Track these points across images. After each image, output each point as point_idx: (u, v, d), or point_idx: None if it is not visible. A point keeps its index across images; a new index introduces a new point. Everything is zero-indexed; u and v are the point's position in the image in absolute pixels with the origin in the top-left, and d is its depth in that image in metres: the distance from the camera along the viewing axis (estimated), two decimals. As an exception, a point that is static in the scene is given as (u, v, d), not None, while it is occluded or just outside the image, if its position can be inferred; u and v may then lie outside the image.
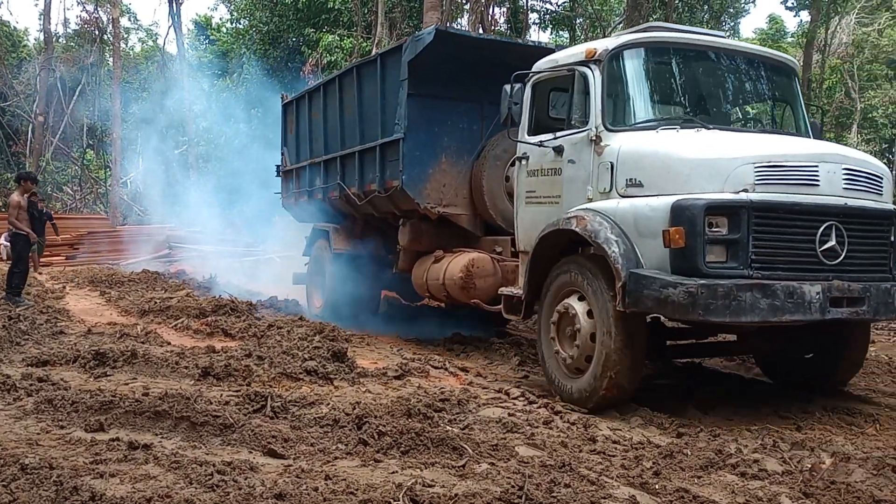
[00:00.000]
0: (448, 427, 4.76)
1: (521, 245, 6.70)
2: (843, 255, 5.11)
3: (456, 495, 3.52)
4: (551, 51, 7.06)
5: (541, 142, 6.23)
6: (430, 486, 3.68)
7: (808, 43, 21.47)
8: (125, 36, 36.05)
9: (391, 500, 3.45)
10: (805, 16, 25.92)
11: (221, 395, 5.36)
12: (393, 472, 3.90)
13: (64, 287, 13.72)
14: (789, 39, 30.71)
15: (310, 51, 23.95)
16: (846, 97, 27.38)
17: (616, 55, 5.84)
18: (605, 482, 3.87)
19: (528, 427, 4.94)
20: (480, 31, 20.02)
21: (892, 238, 5.41)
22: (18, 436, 4.33)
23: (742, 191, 4.91)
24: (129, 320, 9.64)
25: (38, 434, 4.40)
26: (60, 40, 32.82)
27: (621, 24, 21.98)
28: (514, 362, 7.54)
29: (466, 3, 22.78)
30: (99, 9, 30.85)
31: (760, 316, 4.78)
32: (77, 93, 29.84)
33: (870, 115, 28.97)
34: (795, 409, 5.66)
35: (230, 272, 15.41)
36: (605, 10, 25.99)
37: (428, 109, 8.03)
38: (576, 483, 3.77)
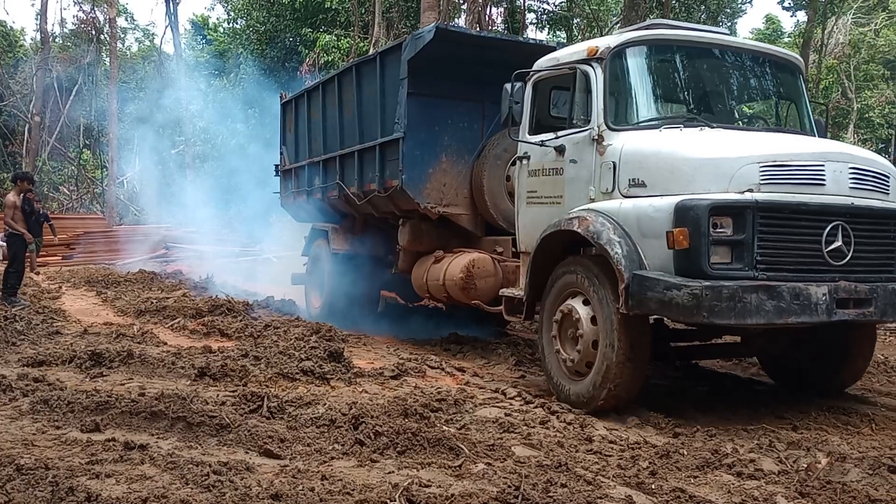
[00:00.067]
0: (444, 427, 4.76)
1: (523, 246, 6.63)
2: (850, 255, 5.02)
3: (452, 495, 3.52)
4: (552, 49, 6.97)
5: (542, 141, 6.16)
6: (426, 486, 3.68)
7: (805, 43, 21.49)
8: (122, 36, 36.11)
9: (387, 501, 3.46)
10: (802, 16, 26.00)
11: (218, 395, 5.36)
12: (389, 473, 3.90)
13: (60, 287, 13.69)
14: (786, 40, 30.75)
15: (307, 51, 23.93)
16: (843, 97, 27.44)
17: (618, 53, 5.77)
18: (602, 482, 3.88)
19: (525, 427, 4.94)
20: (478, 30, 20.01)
21: None
22: (14, 436, 4.31)
23: (747, 191, 4.83)
24: (126, 320, 9.62)
25: (34, 434, 4.38)
26: (57, 40, 32.81)
27: (618, 25, 21.98)
28: (511, 362, 7.54)
29: (464, 3, 22.78)
30: (96, 8, 30.84)
31: (766, 318, 4.70)
32: (73, 93, 29.84)
33: (866, 115, 29.08)
34: (792, 409, 5.65)
35: (227, 272, 15.40)
36: (603, 10, 26.00)
37: (428, 108, 7.96)
38: (572, 483, 3.78)
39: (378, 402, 5.24)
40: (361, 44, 21.65)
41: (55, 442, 4.26)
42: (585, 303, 5.49)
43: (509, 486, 3.62)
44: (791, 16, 40.21)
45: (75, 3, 35.72)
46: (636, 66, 5.83)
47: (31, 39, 36.07)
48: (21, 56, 33.08)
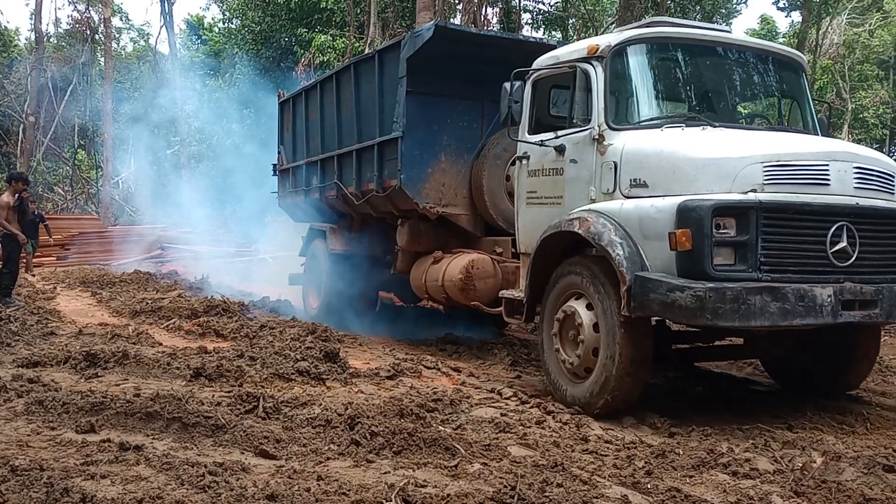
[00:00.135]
0: (440, 427, 4.76)
1: (523, 247, 6.55)
2: (855, 256, 4.96)
3: (448, 495, 3.53)
4: (552, 47, 6.92)
5: (542, 141, 6.09)
6: (422, 486, 3.69)
7: (800, 43, 21.52)
8: (117, 36, 36.00)
9: (383, 501, 3.46)
10: (796, 16, 26.07)
11: (213, 395, 5.34)
12: (385, 473, 3.90)
13: (55, 288, 13.64)
14: (781, 40, 30.78)
15: (302, 51, 23.91)
16: (837, 97, 27.50)
17: (619, 51, 5.70)
18: (598, 482, 3.88)
19: (521, 427, 4.94)
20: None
21: None
22: (9, 437, 4.29)
23: (750, 191, 4.78)
24: (121, 321, 9.58)
25: (29, 435, 4.36)
26: (52, 40, 32.71)
27: (613, 25, 22.03)
28: (507, 362, 7.55)
29: (459, 3, 22.78)
30: (90, 8, 30.75)
31: (770, 320, 4.64)
32: (68, 93, 29.74)
33: (861, 116, 29.17)
34: (787, 409, 5.66)
35: (222, 273, 15.36)
36: (598, 10, 26.03)
37: (427, 107, 7.89)
38: (568, 483, 3.78)
39: (374, 403, 5.23)
40: (357, 44, 21.64)
41: (50, 443, 4.24)
42: (589, 307, 5.41)
43: (505, 486, 3.62)
44: (786, 16, 40.27)
45: (70, 2, 35.70)
46: (637, 65, 5.77)
47: (26, 39, 35.94)
48: (15, 56, 32.94)
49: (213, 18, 38.16)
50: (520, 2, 24.68)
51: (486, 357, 7.88)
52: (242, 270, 16.85)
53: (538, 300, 6.03)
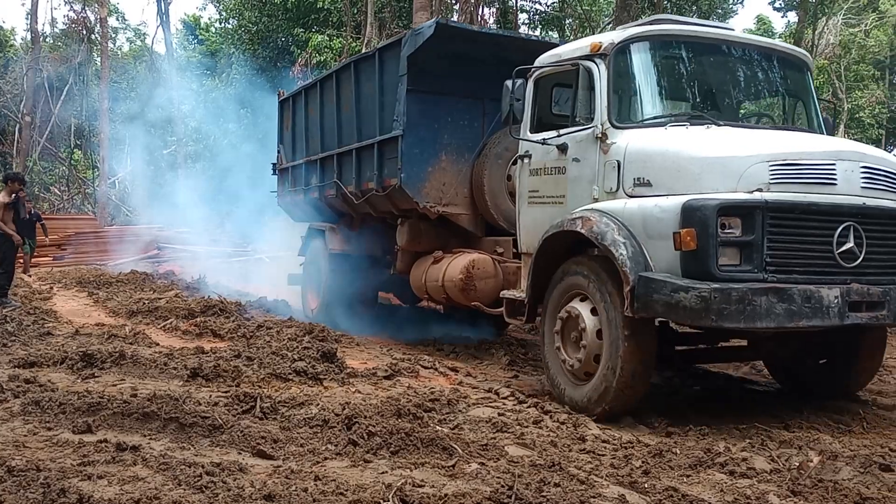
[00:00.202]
0: (438, 427, 4.76)
1: (524, 247, 6.49)
2: (862, 257, 4.90)
3: (446, 495, 3.53)
4: (554, 45, 6.87)
5: (544, 139, 6.03)
6: (419, 486, 3.69)
7: (796, 44, 21.55)
8: (113, 36, 35.84)
9: (381, 501, 3.46)
10: (793, 16, 26.11)
11: (210, 395, 5.33)
12: (383, 473, 3.91)
13: (51, 288, 13.60)
14: (777, 40, 30.85)
15: (299, 51, 23.90)
16: (833, 97, 27.54)
17: (622, 49, 5.64)
18: (595, 481, 3.89)
19: (518, 427, 4.94)
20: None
21: None
22: (5, 438, 4.27)
23: (756, 190, 4.73)
24: (118, 321, 9.55)
25: (26, 436, 4.34)
26: (48, 40, 32.60)
27: (610, 25, 22.03)
28: (504, 362, 7.55)
29: (456, 3, 22.78)
30: (86, 8, 30.68)
31: (776, 321, 4.59)
32: (64, 92, 29.65)
33: (857, 116, 29.23)
34: (784, 408, 5.67)
35: (219, 273, 15.34)
36: (595, 10, 26.04)
37: (427, 106, 7.83)
38: (565, 482, 3.78)
39: (371, 403, 5.22)
40: (354, 44, 21.61)
41: (47, 443, 4.22)
42: (593, 312, 5.33)
43: (503, 486, 3.63)
44: (782, 16, 40.30)
45: (66, 2, 35.64)
46: (640, 63, 5.70)
47: (22, 39, 35.85)
48: (11, 56, 32.86)
49: (209, 18, 38.21)
50: (516, 2, 24.70)
51: (484, 357, 7.89)
52: (239, 270, 16.82)
53: (540, 301, 5.97)
